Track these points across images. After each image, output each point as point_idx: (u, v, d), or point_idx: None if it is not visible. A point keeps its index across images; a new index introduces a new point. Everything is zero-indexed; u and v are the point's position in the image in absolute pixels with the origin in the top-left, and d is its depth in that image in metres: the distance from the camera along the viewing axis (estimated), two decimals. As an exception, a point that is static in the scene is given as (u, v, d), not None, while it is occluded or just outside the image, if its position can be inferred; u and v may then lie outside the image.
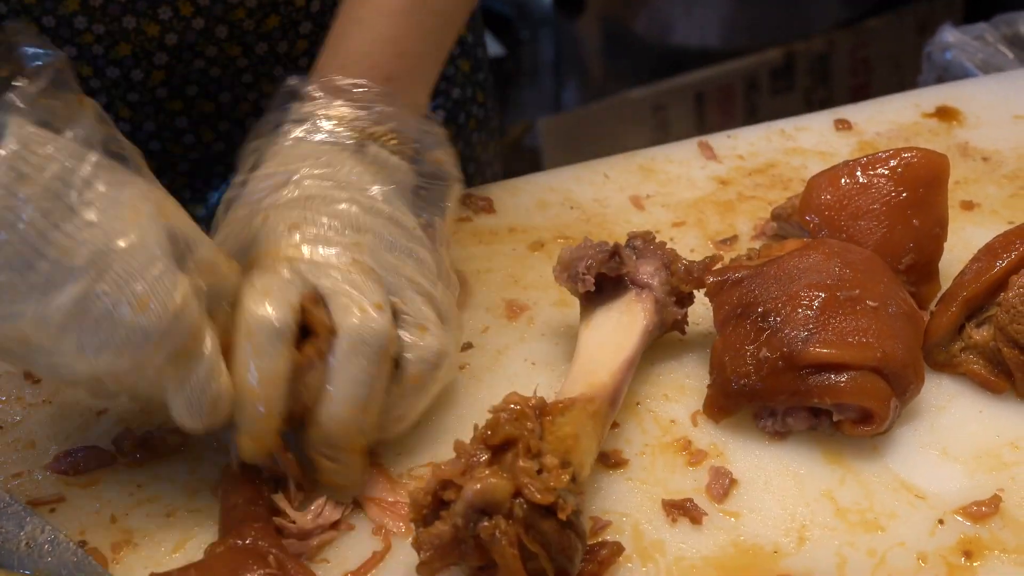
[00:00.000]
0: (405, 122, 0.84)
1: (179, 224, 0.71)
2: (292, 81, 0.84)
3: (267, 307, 0.72)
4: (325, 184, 0.79)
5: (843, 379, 0.78)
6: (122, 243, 0.66)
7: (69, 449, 0.81)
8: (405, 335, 0.75)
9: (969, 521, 0.75)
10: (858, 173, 0.90)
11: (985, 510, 0.75)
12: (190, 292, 0.69)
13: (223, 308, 0.73)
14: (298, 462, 0.75)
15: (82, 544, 0.74)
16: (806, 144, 1.13)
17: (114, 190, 0.68)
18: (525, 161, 2.30)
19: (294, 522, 0.74)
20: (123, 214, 0.67)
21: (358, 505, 0.77)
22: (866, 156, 0.90)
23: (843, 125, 1.15)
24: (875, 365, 0.78)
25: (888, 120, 1.16)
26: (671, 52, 2.58)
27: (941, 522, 0.75)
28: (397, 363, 0.75)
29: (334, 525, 0.75)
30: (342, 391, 0.72)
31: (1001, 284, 0.84)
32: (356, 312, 0.73)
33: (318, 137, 0.81)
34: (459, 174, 0.88)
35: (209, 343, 0.70)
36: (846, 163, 0.91)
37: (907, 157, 0.89)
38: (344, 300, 0.73)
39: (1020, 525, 0.74)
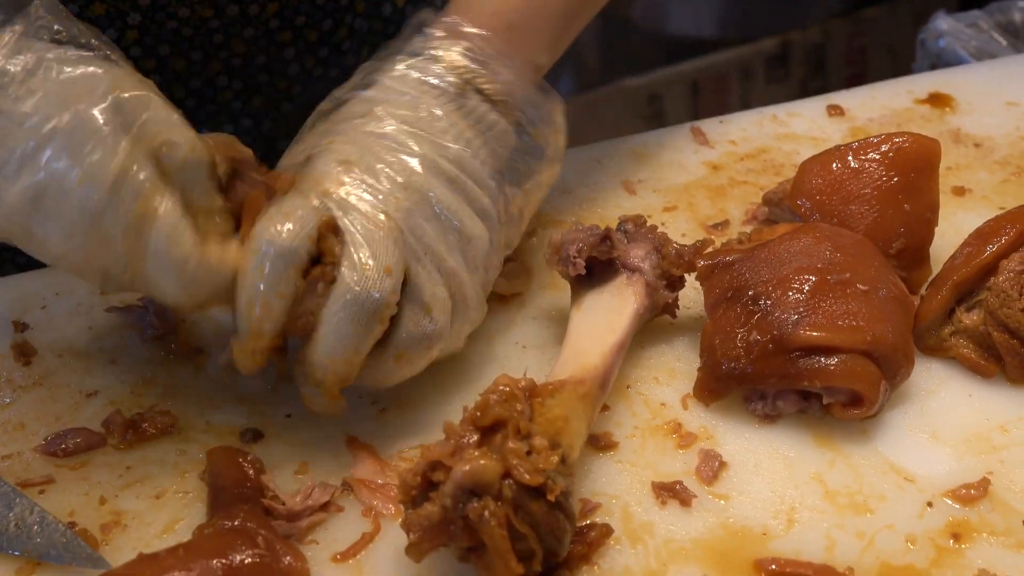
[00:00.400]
0: (516, 84, 0.83)
1: (131, 95, 0.71)
2: (422, 14, 0.84)
3: (284, 226, 0.72)
4: (403, 128, 0.78)
5: (833, 362, 0.78)
6: (56, 123, 0.68)
7: (59, 431, 0.81)
8: (407, 310, 0.75)
9: (958, 504, 0.75)
10: (849, 158, 0.90)
11: (974, 493, 0.75)
12: (132, 157, 0.69)
13: (201, 181, 0.73)
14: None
15: (71, 525, 0.74)
16: (798, 130, 1.13)
17: (61, 75, 0.69)
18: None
19: (283, 504, 0.74)
20: (69, 94, 0.69)
21: (348, 487, 0.77)
22: (857, 141, 0.90)
23: (835, 111, 1.15)
24: (865, 348, 0.78)
25: (880, 106, 1.16)
26: (666, 41, 2.58)
27: (930, 505, 0.75)
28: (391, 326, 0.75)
29: (323, 507, 0.75)
30: (325, 341, 0.72)
31: (991, 269, 0.84)
32: (360, 270, 0.72)
33: (423, 76, 0.80)
34: (559, 156, 0.88)
35: (165, 205, 0.70)
36: (838, 148, 0.91)
37: (898, 142, 0.89)
38: (355, 253, 0.72)
39: (1009, 508, 0.74)
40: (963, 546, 0.72)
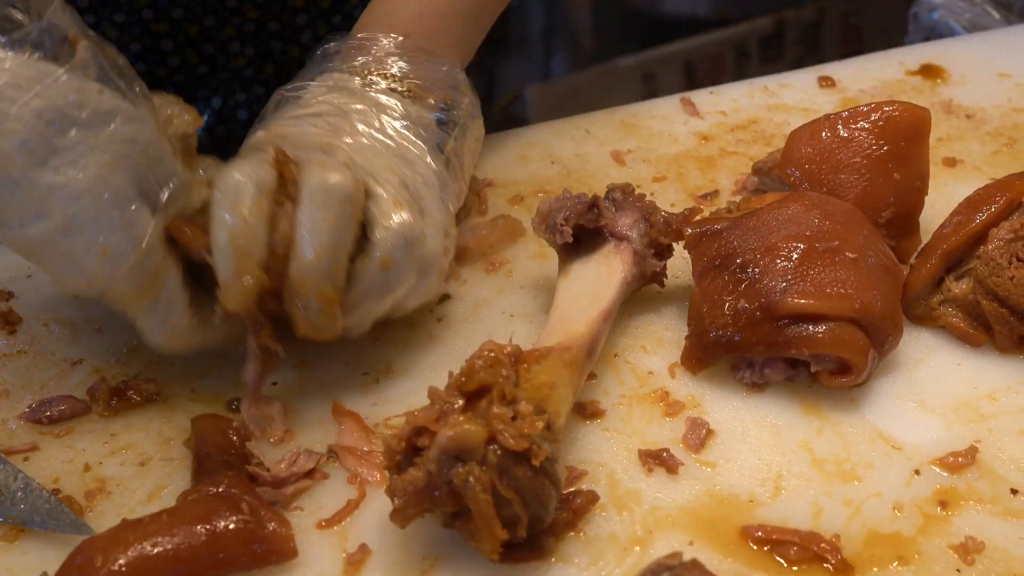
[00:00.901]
0: (428, 77, 0.89)
1: (153, 163, 0.73)
2: (328, 43, 0.91)
3: (240, 169, 0.74)
4: (340, 100, 0.84)
5: (821, 330, 0.78)
6: (88, 200, 0.69)
7: (44, 399, 0.81)
8: (377, 207, 0.77)
9: (946, 472, 0.75)
10: (839, 127, 0.89)
11: (962, 461, 0.75)
12: (155, 239, 0.72)
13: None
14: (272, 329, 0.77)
15: (55, 492, 0.74)
16: (789, 101, 1.12)
17: (92, 133, 0.70)
18: (517, 130, 2.29)
19: (268, 470, 0.74)
20: (95, 162, 0.69)
21: (333, 454, 0.76)
22: (848, 110, 0.90)
23: (827, 82, 1.14)
24: (853, 316, 0.78)
25: (872, 77, 1.15)
26: (661, 20, 2.57)
27: (918, 473, 0.75)
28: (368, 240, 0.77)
29: (308, 474, 0.75)
30: (305, 239, 0.73)
31: (981, 237, 0.83)
32: (319, 168, 0.75)
33: (343, 87, 0.87)
34: (475, 110, 0.92)
35: (171, 282, 0.74)
36: (827, 116, 0.91)
37: (888, 111, 0.89)
38: (309, 157, 0.76)
39: (996, 476, 0.74)
40: (950, 514, 0.72)
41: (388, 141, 0.83)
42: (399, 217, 0.77)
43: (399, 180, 0.80)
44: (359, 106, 0.84)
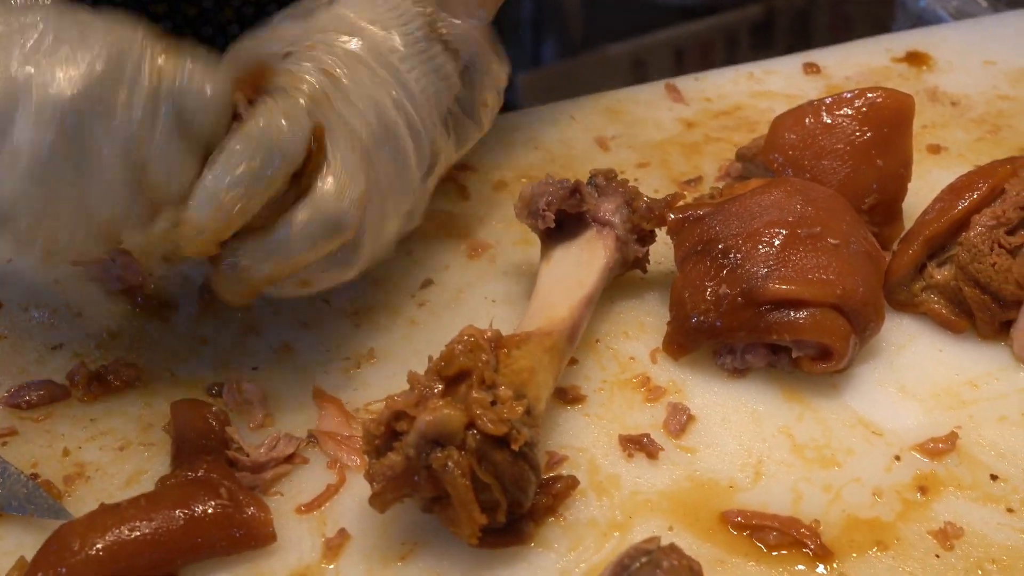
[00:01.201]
0: (471, 35, 0.83)
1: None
2: None
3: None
4: (372, 53, 0.77)
5: (802, 315, 0.78)
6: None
7: (23, 383, 0.80)
8: (318, 182, 0.71)
9: (926, 458, 0.75)
10: (823, 113, 0.89)
11: (942, 447, 0.75)
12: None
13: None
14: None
15: (34, 476, 0.74)
16: (774, 87, 1.12)
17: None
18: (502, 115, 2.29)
19: (248, 455, 0.73)
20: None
21: (313, 439, 0.76)
22: (831, 96, 0.89)
23: (812, 69, 1.14)
24: (835, 302, 0.78)
25: (857, 64, 1.15)
26: (651, 7, 2.56)
27: (898, 458, 0.75)
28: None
29: (288, 458, 0.75)
30: (213, 177, 0.68)
31: (963, 224, 0.83)
32: (268, 113, 0.70)
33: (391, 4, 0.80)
34: (491, 119, 0.87)
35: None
36: (811, 103, 0.90)
37: (872, 97, 0.89)
38: (269, 101, 0.71)
39: (976, 462, 0.74)
40: (930, 499, 0.72)
41: (387, 76, 0.77)
42: (326, 199, 0.71)
43: (370, 132, 0.75)
44: (398, 54, 0.78)
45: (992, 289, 0.81)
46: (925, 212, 0.86)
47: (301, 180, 0.71)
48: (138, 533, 0.66)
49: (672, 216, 0.84)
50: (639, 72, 2.41)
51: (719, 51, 2.47)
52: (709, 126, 1.07)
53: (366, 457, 0.68)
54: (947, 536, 0.70)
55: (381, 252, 0.79)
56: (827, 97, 0.90)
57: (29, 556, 0.67)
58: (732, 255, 0.79)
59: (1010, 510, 0.71)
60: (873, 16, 2.54)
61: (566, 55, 2.57)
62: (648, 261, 0.87)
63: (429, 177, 0.82)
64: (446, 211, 0.97)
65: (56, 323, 0.86)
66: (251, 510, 0.69)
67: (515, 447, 0.66)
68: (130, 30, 0.68)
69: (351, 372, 0.82)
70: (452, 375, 0.68)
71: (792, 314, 0.78)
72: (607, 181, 0.86)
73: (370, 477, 0.67)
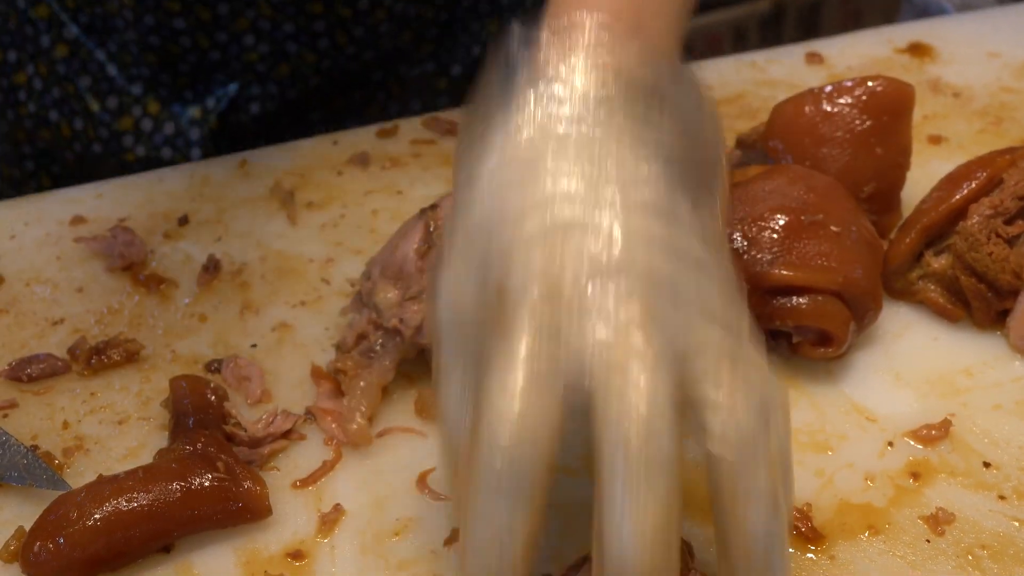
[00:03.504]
0: (661, 71, 0.59)
1: None
2: (516, 27, 0.60)
3: (518, 426, 0.48)
4: (578, 192, 0.53)
5: (804, 301, 0.78)
6: None
7: (24, 357, 0.81)
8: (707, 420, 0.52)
9: (919, 444, 0.75)
10: (823, 101, 0.89)
11: (935, 434, 0.76)
12: None
13: None
14: None
15: (34, 448, 0.74)
16: (776, 76, 1.12)
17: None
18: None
19: (245, 430, 0.74)
20: None
21: (311, 415, 0.77)
22: (832, 84, 0.90)
23: (815, 58, 1.14)
24: (836, 289, 0.78)
25: (860, 54, 1.15)
26: None
27: (891, 444, 0.75)
28: None
29: (285, 434, 0.75)
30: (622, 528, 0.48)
31: (961, 212, 0.84)
32: (627, 413, 0.49)
33: (558, 108, 0.56)
34: (726, 144, 0.70)
35: None
36: (811, 91, 0.91)
37: (872, 86, 0.89)
38: (613, 402, 0.49)
39: (969, 449, 0.75)
40: (922, 485, 0.72)
41: (673, 260, 0.53)
42: (736, 423, 0.51)
43: (720, 348, 0.53)
44: (612, 163, 0.54)
45: (989, 278, 0.82)
46: (923, 201, 0.87)
47: None
48: (135, 504, 0.66)
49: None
50: (646, 64, 2.41)
51: (727, 45, 2.47)
52: (711, 114, 1.07)
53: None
54: (938, 522, 0.70)
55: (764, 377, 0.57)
56: (827, 85, 0.90)
57: (27, 526, 0.67)
58: (737, 240, 0.80)
59: (1002, 497, 0.71)
60: (882, 9, 2.54)
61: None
62: None
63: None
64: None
65: (57, 298, 0.87)
66: (248, 484, 0.69)
67: None
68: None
69: (349, 351, 0.82)
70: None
71: (795, 300, 0.78)
72: None
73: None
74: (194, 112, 1.10)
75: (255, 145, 1.07)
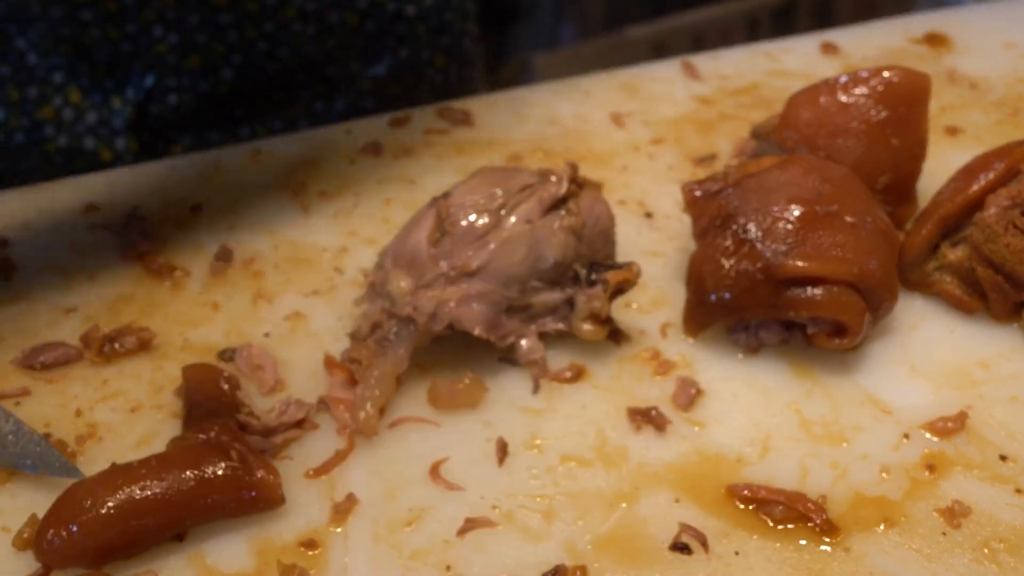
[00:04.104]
0: None
1: None
2: None
3: None
4: None
5: (819, 292, 0.77)
6: None
7: (37, 345, 0.81)
8: None
9: (935, 437, 0.75)
10: (839, 91, 0.89)
11: (951, 426, 0.75)
12: None
13: None
14: None
15: (47, 436, 0.74)
16: (791, 66, 1.12)
17: None
18: (518, 90, 2.28)
19: (258, 419, 0.74)
20: None
21: (323, 405, 0.77)
22: (847, 74, 0.89)
23: (830, 49, 1.14)
24: (851, 280, 0.78)
25: (876, 45, 1.15)
26: (671, -11, 2.55)
27: (906, 437, 0.75)
28: None
29: (298, 423, 0.75)
30: None
31: (977, 203, 0.83)
32: None
33: None
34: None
35: None
36: (826, 81, 0.90)
37: (888, 76, 0.88)
38: None
39: (985, 442, 0.74)
40: (938, 478, 0.72)
41: None
42: None
43: None
44: None
45: (1006, 270, 0.81)
46: (939, 192, 0.86)
47: None
48: (149, 493, 0.66)
49: (691, 188, 0.84)
50: (658, 56, 2.40)
51: (739, 35, 2.46)
52: (725, 104, 1.07)
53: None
54: (954, 515, 0.70)
55: None
56: (843, 75, 0.89)
57: (41, 514, 0.67)
58: (752, 230, 0.79)
59: (1019, 490, 0.71)
60: (897, 2, 2.52)
61: (584, 37, 2.56)
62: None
63: None
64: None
65: (70, 286, 0.87)
66: (261, 473, 0.69)
67: None
68: None
69: (362, 340, 0.82)
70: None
71: (810, 291, 0.77)
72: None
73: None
74: (115, 102, 1.10)
75: (179, 138, 1.08)
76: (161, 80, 1.09)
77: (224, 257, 0.88)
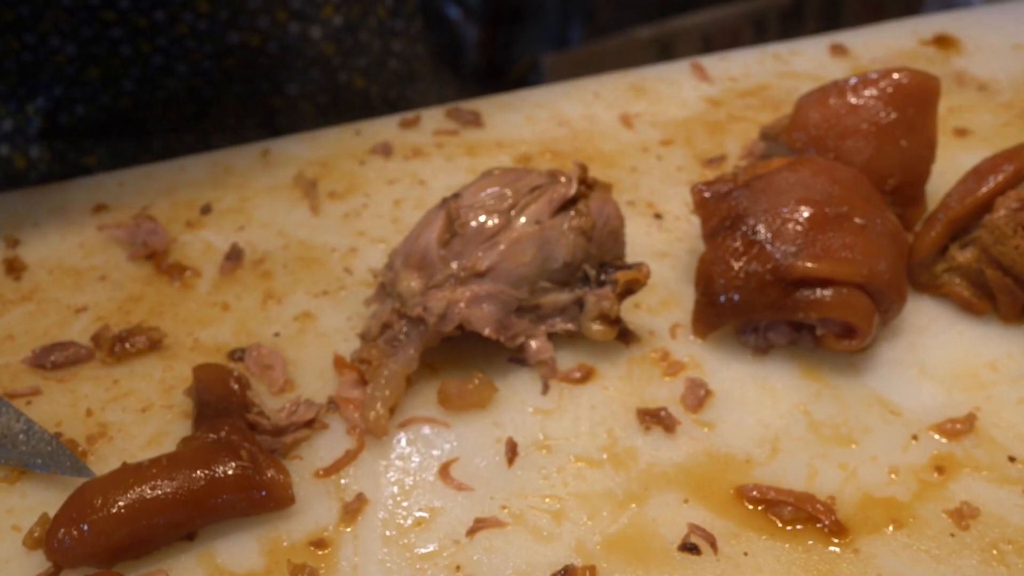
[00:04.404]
0: None
1: None
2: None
3: None
4: None
5: (829, 294, 0.77)
6: None
7: (47, 344, 0.81)
8: None
9: (944, 438, 0.75)
10: (848, 93, 0.89)
11: (960, 428, 0.75)
12: None
13: None
14: None
15: (57, 435, 0.74)
16: (800, 68, 1.12)
17: None
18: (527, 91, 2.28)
19: (268, 419, 0.74)
20: None
21: (333, 405, 0.77)
22: (856, 76, 0.89)
23: (839, 50, 1.14)
24: (861, 281, 0.78)
25: (884, 46, 1.14)
26: (679, -8, 2.55)
27: (915, 438, 0.75)
28: None
29: (308, 423, 0.75)
30: None
31: (987, 205, 0.83)
32: None
33: None
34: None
35: None
36: (836, 83, 0.90)
37: (897, 78, 0.88)
38: None
39: (994, 443, 0.74)
40: (946, 479, 0.72)
41: None
42: None
43: None
44: None
45: (1015, 272, 0.81)
46: (949, 194, 0.86)
47: None
48: (159, 492, 0.67)
49: (700, 189, 0.84)
50: (666, 56, 2.40)
51: (747, 36, 2.46)
52: (734, 105, 1.07)
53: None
54: (963, 516, 0.70)
55: None
56: (852, 77, 0.89)
57: (51, 513, 0.67)
58: (761, 231, 0.79)
59: (1027, 492, 0.71)
60: (905, 1, 2.52)
61: (593, 37, 2.56)
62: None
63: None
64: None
65: (80, 286, 0.87)
66: (271, 473, 0.70)
67: None
68: None
69: (372, 340, 0.82)
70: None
71: (819, 292, 0.78)
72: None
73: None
74: (29, 110, 1.10)
75: (93, 149, 1.08)
76: (67, 91, 1.09)
77: (234, 257, 0.89)
